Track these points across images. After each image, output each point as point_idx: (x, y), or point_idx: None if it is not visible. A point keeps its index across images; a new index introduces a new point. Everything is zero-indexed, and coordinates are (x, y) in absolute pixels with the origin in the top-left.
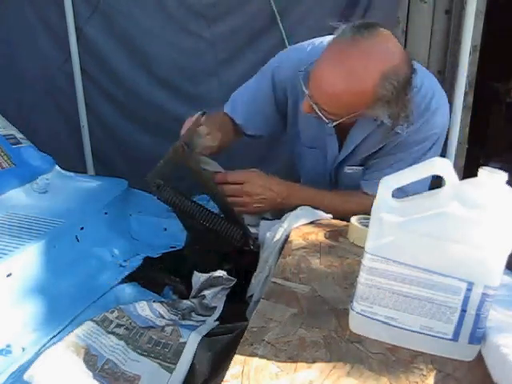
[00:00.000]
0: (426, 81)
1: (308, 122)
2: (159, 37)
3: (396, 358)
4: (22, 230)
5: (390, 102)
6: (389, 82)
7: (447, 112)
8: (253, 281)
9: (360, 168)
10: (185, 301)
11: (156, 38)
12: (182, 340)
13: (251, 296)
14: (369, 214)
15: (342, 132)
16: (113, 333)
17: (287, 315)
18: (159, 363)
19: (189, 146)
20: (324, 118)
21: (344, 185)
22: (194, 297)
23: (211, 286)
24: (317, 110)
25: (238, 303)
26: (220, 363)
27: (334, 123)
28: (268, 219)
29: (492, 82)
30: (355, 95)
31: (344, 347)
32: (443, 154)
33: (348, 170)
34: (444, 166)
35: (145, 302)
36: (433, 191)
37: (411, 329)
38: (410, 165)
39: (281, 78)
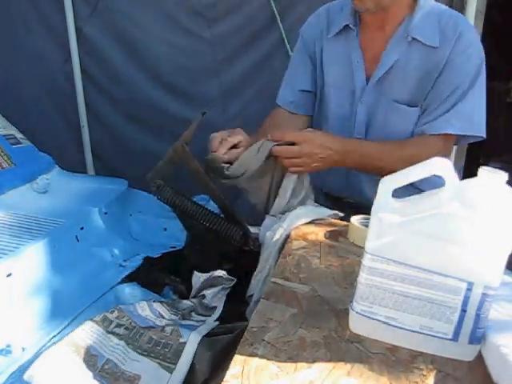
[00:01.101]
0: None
1: (335, 58)
2: (159, 37)
3: (396, 358)
4: (22, 230)
5: None
6: None
7: (478, 36)
8: (253, 281)
9: (409, 108)
10: (185, 301)
11: (156, 38)
12: (182, 340)
13: (251, 296)
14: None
15: (372, 60)
16: (113, 333)
17: (287, 315)
18: (159, 363)
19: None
20: None
21: (380, 130)
22: (194, 297)
23: (211, 285)
24: None
25: (237, 303)
26: (220, 363)
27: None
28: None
29: (492, 82)
30: None
31: (344, 347)
32: None
33: (395, 103)
34: (444, 166)
35: (145, 302)
36: (433, 191)
37: (411, 329)
38: (466, 91)
39: (308, 32)
